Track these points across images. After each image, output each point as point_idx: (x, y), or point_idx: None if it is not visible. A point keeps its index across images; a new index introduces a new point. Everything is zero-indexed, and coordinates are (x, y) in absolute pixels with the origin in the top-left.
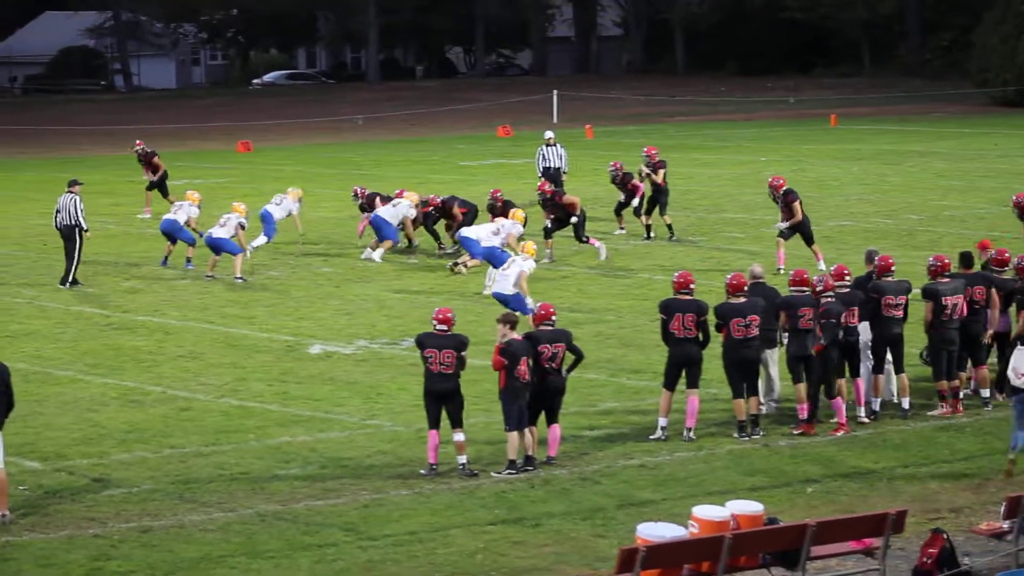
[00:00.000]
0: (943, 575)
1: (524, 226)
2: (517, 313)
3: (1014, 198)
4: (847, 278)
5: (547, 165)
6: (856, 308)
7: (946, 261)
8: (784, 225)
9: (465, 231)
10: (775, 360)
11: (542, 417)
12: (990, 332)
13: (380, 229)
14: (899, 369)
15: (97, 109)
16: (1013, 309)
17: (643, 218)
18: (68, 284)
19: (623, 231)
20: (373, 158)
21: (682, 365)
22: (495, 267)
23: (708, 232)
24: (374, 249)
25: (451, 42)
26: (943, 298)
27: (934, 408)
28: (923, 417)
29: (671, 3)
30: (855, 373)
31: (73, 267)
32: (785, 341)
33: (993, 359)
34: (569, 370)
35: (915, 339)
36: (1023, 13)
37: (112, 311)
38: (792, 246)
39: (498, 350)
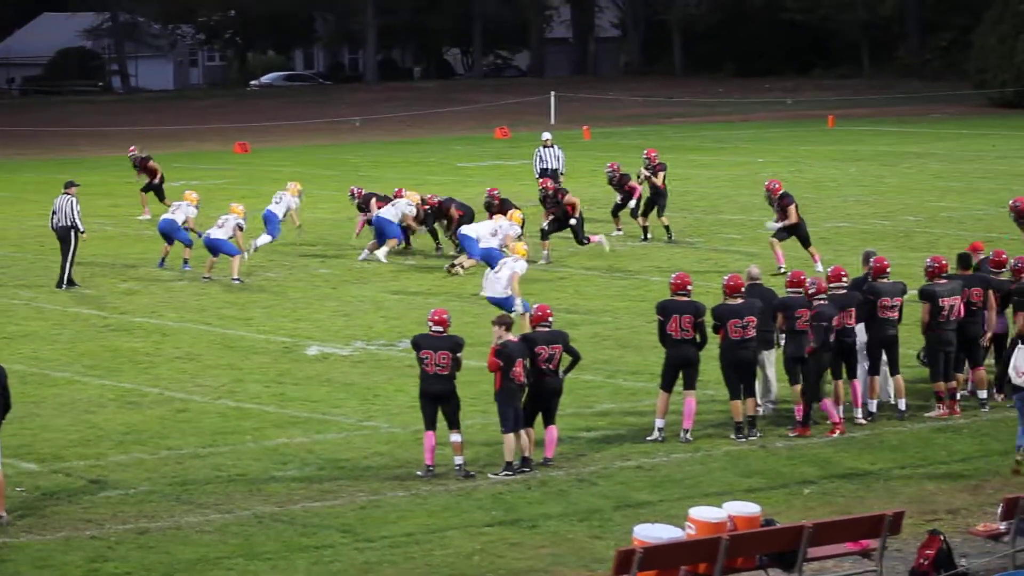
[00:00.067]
0: None
1: (522, 227)
2: (512, 314)
3: (1011, 203)
4: (844, 279)
5: (544, 166)
6: (853, 309)
7: (943, 262)
8: (775, 225)
9: (465, 229)
10: (772, 362)
11: (539, 418)
12: (989, 334)
13: (383, 229)
14: (895, 371)
15: (95, 110)
16: (1010, 310)
17: (640, 220)
18: (64, 286)
19: (620, 232)
20: (371, 159)
21: (679, 366)
22: (492, 268)
23: (705, 233)
24: (372, 251)
25: (449, 43)
26: (940, 299)
27: (931, 409)
28: (920, 418)
29: (669, 4)
30: (852, 374)
31: (66, 269)
32: (782, 342)
33: (990, 360)
34: (566, 371)
35: (912, 340)
36: (1021, 13)
37: (109, 312)
38: (789, 248)
39: (493, 352)
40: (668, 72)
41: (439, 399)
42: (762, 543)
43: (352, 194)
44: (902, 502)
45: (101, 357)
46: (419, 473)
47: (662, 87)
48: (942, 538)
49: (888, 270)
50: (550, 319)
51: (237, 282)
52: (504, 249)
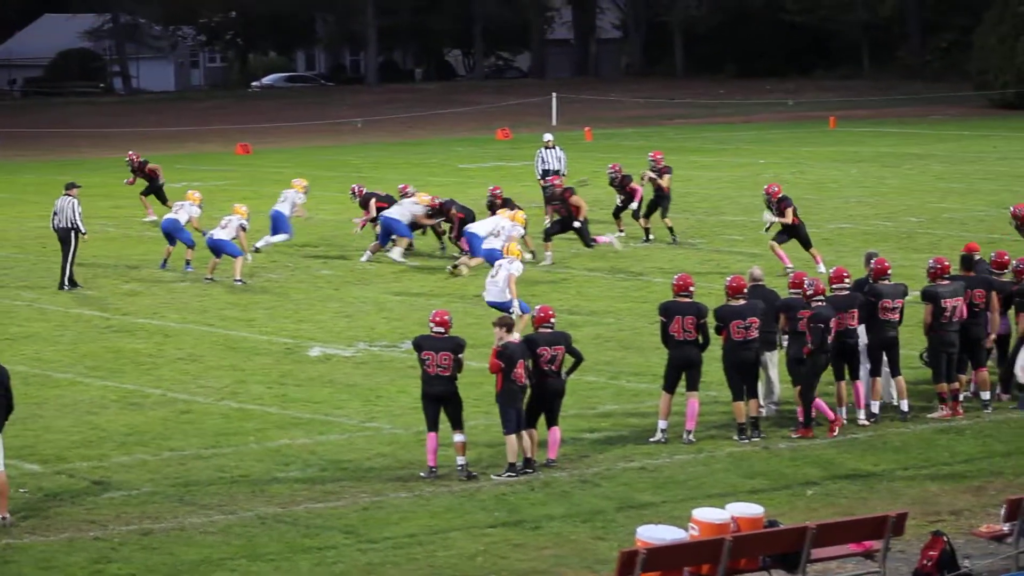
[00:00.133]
0: None
1: (525, 228)
2: (513, 315)
3: (1012, 209)
4: (846, 280)
5: (546, 167)
6: (856, 311)
7: (946, 263)
8: (772, 217)
9: (471, 226)
10: (775, 362)
11: (542, 420)
12: (992, 336)
13: (392, 229)
14: (895, 372)
15: (96, 112)
16: (1012, 312)
17: (642, 221)
18: (66, 287)
19: (622, 234)
20: (372, 160)
21: (682, 368)
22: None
23: (707, 235)
24: (374, 252)
25: (450, 44)
26: (943, 300)
27: (934, 410)
28: (923, 419)
29: (670, 6)
30: (854, 375)
31: (67, 269)
32: (785, 344)
33: (992, 361)
34: (568, 372)
35: (915, 341)
36: (1021, 14)
37: (112, 314)
38: (791, 250)
39: (495, 353)
40: (669, 73)
41: (441, 400)
42: (765, 544)
43: (353, 192)
44: (905, 503)
45: (104, 358)
46: (422, 474)
47: (663, 88)
48: (945, 539)
49: (889, 272)
50: (552, 320)
51: (239, 283)
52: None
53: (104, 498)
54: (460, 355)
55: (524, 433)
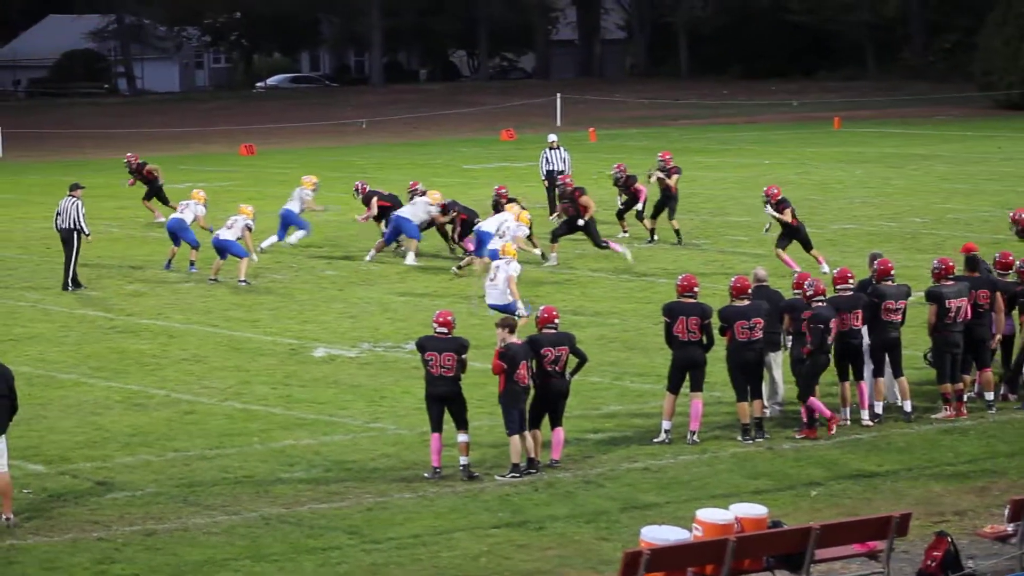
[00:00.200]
0: None
1: (531, 228)
2: (516, 316)
3: (1012, 214)
4: (850, 281)
5: (550, 168)
6: (860, 311)
7: (950, 264)
8: (771, 212)
9: (483, 224)
10: (779, 363)
11: (546, 420)
12: (997, 337)
13: (402, 229)
14: (898, 373)
15: (100, 112)
16: (1016, 312)
17: (647, 222)
18: (70, 287)
19: (626, 235)
20: (376, 161)
21: (686, 368)
22: None
23: (712, 235)
24: (379, 250)
25: (455, 45)
26: (947, 301)
27: (938, 411)
28: (927, 420)
29: (675, 6)
30: (858, 376)
31: (70, 271)
32: (789, 344)
33: (995, 362)
34: (572, 373)
35: (919, 342)
36: None
37: (116, 314)
38: (793, 252)
39: (497, 354)
40: (674, 74)
41: (445, 400)
42: (769, 545)
43: (356, 189)
44: (909, 504)
45: (108, 359)
46: (426, 475)
47: (668, 89)
48: (949, 540)
49: (892, 272)
50: (556, 321)
51: (244, 284)
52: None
53: (108, 499)
54: (464, 356)
55: (527, 434)
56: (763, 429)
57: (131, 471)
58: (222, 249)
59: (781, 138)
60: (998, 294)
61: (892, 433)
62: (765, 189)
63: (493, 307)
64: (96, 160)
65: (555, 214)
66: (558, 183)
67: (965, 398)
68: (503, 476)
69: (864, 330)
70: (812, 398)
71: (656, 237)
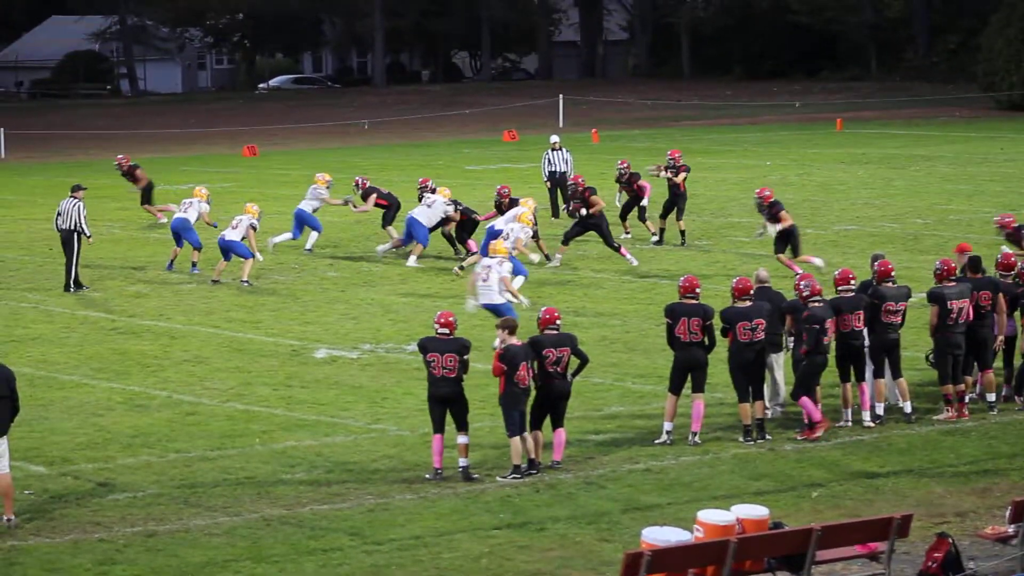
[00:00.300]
0: None
1: (535, 228)
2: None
3: (996, 220)
4: (852, 282)
5: (553, 169)
6: (862, 312)
7: (952, 265)
8: (774, 227)
9: (496, 222)
10: (781, 364)
11: (547, 421)
12: (1001, 338)
13: (411, 231)
14: (897, 374)
15: (103, 113)
16: (1018, 314)
17: (650, 224)
18: (72, 288)
19: (628, 235)
20: (379, 162)
21: (687, 369)
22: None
23: (714, 236)
24: (395, 247)
25: (457, 46)
26: (949, 302)
27: (939, 412)
28: (928, 421)
29: (677, 7)
30: (860, 377)
31: (72, 271)
32: (791, 345)
33: (999, 363)
34: (574, 374)
35: (921, 343)
36: None
37: (118, 315)
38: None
39: (497, 356)
40: (676, 75)
41: (447, 402)
42: (770, 546)
43: (356, 184)
44: (910, 505)
45: (109, 360)
46: (427, 476)
47: (670, 90)
48: (950, 541)
49: (892, 274)
50: (558, 322)
51: (246, 284)
52: (514, 252)
53: (109, 500)
54: (465, 356)
55: (528, 435)
56: (764, 430)
57: (132, 472)
58: (227, 250)
59: (784, 139)
60: (1000, 295)
61: (893, 434)
62: (757, 192)
63: (486, 307)
64: (99, 161)
65: (570, 211)
66: (569, 183)
67: (967, 399)
68: (504, 477)
69: (866, 331)
70: (804, 398)
71: (660, 238)
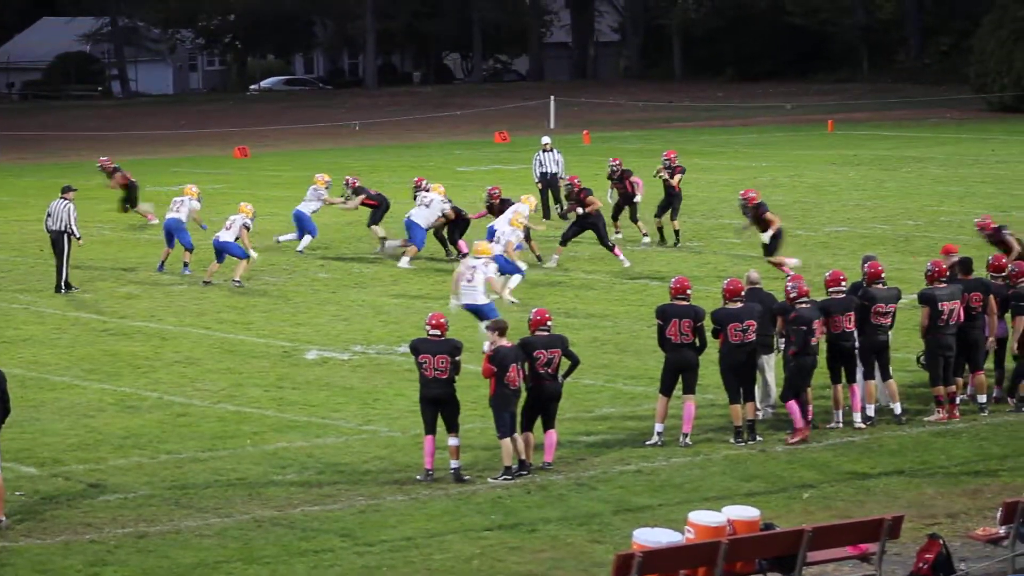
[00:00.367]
0: None
1: (527, 231)
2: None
3: (976, 222)
4: (843, 283)
5: (544, 171)
6: (852, 313)
7: (943, 266)
8: (765, 235)
9: (495, 222)
10: (772, 366)
11: (538, 423)
12: (991, 339)
13: (408, 232)
14: (886, 376)
15: (94, 115)
16: (1008, 315)
17: (642, 224)
18: (62, 290)
19: (619, 236)
20: (370, 163)
21: (679, 371)
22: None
23: (705, 238)
24: (405, 245)
25: (448, 48)
26: (940, 303)
27: (931, 413)
28: (919, 423)
29: (668, 9)
30: (851, 379)
31: (63, 273)
32: (782, 347)
33: (989, 364)
34: (565, 376)
35: (912, 344)
36: (1020, 19)
37: (109, 317)
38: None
39: (487, 357)
40: (668, 76)
41: (438, 403)
42: (761, 547)
43: (346, 183)
44: (901, 506)
45: (100, 361)
46: (418, 477)
47: (662, 91)
48: (941, 542)
49: (882, 275)
50: (549, 323)
51: (237, 284)
52: (506, 255)
53: (100, 501)
54: (457, 358)
55: (519, 436)
56: (755, 432)
57: (124, 473)
58: (221, 251)
59: (775, 140)
60: (991, 297)
61: (884, 436)
62: (742, 193)
63: (468, 307)
64: (90, 162)
65: (561, 213)
66: (565, 183)
67: (958, 401)
68: (495, 479)
69: (856, 333)
70: (792, 402)
71: (650, 239)
